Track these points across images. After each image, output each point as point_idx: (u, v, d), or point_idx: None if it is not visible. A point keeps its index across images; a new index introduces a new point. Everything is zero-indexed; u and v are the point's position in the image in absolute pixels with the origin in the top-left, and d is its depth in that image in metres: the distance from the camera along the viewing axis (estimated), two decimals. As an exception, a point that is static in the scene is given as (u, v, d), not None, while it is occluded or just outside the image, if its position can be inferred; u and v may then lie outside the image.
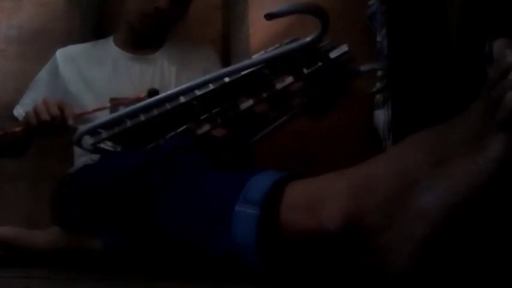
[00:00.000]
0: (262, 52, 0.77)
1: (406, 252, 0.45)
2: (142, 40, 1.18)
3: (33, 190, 1.28)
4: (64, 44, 1.24)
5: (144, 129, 0.82)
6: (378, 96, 1.12)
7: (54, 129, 0.97)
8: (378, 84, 0.98)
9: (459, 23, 0.86)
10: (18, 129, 1.03)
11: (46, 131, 0.99)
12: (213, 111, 0.84)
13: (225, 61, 1.36)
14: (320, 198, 0.50)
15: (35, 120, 0.96)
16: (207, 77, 0.76)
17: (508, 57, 0.41)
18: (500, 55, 0.42)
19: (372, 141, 1.13)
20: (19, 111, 1.17)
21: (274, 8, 0.67)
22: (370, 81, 1.05)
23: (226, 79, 0.76)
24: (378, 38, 1.11)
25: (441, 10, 0.89)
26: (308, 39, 0.71)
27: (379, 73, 1.06)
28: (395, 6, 1.02)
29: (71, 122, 0.95)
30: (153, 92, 1.02)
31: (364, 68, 0.88)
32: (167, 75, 1.17)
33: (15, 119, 1.16)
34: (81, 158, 1.06)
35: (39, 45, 1.30)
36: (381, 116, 1.10)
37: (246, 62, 0.76)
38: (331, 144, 1.20)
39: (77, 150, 1.07)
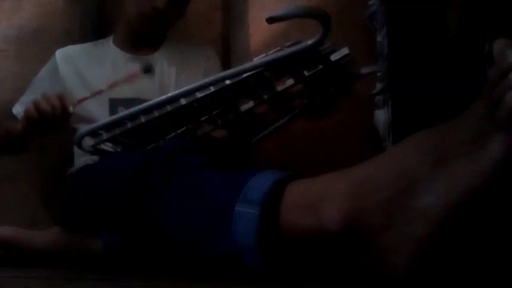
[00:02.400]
0: (263, 55, 0.77)
1: (406, 251, 0.45)
2: (141, 40, 1.18)
3: (33, 190, 1.28)
4: (64, 44, 1.24)
5: (144, 130, 0.82)
6: (378, 96, 1.12)
7: (55, 121, 0.95)
8: (379, 85, 0.97)
9: (459, 23, 0.86)
10: (19, 126, 1.03)
11: (47, 124, 0.97)
12: (214, 112, 0.85)
13: (225, 62, 1.36)
14: (320, 198, 0.50)
15: (35, 112, 0.94)
16: (208, 79, 0.76)
17: (508, 58, 0.41)
18: (501, 55, 0.42)
19: (372, 141, 1.13)
20: (18, 110, 1.16)
21: (274, 9, 0.67)
22: (370, 83, 1.05)
23: (228, 81, 0.76)
24: (378, 38, 1.11)
25: (441, 10, 0.89)
26: (309, 42, 0.71)
27: (380, 74, 1.06)
28: (395, 6, 1.02)
29: (71, 109, 0.92)
30: (147, 69, 1.02)
31: (364, 70, 0.88)
32: (167, 75, 1.17)
33: (15, 117, 1.16)
34: (81, 158, 1.06)
35: (38, 45, 1.30)
36: (381, 116, 1.10)
37: (247, 64, 0.76)
38: (331, 144, 1.20)
39: (77, 150, 1.07)
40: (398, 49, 0.99)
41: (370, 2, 1.17)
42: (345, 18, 1.18)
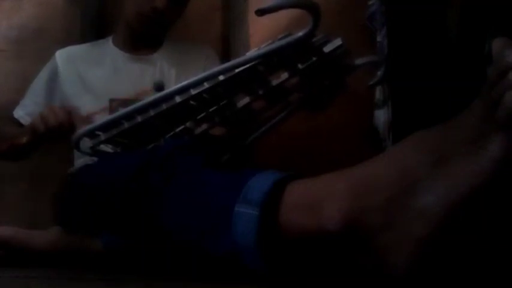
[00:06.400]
0: (255, 49, 0.77)
1: (406, 251, 0.45)
2: (141, 40, 1.19)
3: (33, 190, 1.28)
4: (63, 44, 1.24)
5: (142, 130, 0.82)
6: (378, 96, 1.11)
7: (62, 135, 0.97)
8: (378, 74, 0.96)
9: (459, 23, 0.85)
10: (24, 139, 1.04)
11: (53, 137, 0.98)
12: (210, 110, 0.84)
13: (225, 62, 1.35)
14: (320, 198, 0.50)
15: (43, 127, 0.96)
16: (202, 75, 0.76)
17: (507, 57, 0.41)
18: (500, 55, 0.42)
19: (372, 141, 1.13)
20: (20, 114, 1.17)
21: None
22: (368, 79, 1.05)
23: (221, 77, 0.76)
24: (378, 38, 1.11)
25: (441, 10, 0.89)
26: (300, 33, 0.71)
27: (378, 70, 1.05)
28: (395, 6, 1.02)
29: (79, 127, 0.94)
30: (159, 87, 1.03)
31: (359, 61, 0.87)
32: (166, 75, 1.17)
33: (15, 120, 1.16)
34: (82, 158, 1.06)
35: (38, 45, 1.30)
36: (381, 116, 1.10)
37: (240, 59, 0.75)
38: (331, 145, 1.20)
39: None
40: (398, 49, 0.98)
41: (370, 2, 1.17)
42: (345, 18, 1.18)
